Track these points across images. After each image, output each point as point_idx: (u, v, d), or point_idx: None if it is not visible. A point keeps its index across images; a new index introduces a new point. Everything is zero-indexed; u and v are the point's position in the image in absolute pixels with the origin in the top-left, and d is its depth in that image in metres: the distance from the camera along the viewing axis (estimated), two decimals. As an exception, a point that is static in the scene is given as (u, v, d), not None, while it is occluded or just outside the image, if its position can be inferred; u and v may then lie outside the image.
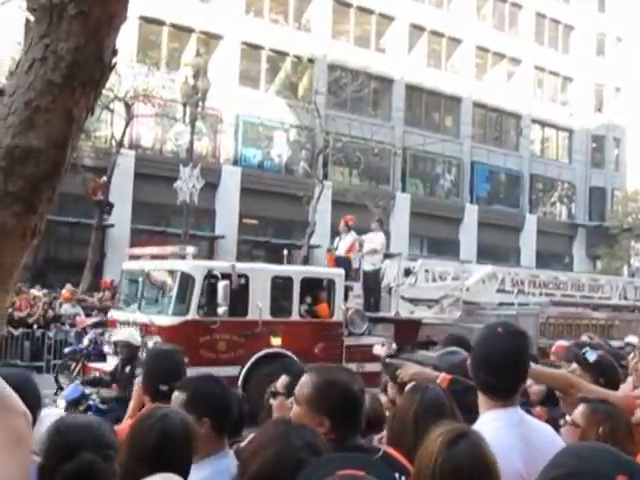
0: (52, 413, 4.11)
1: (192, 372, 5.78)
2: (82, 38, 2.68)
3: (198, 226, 35.71)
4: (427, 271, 22.67)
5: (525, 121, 54.57)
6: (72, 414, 3.07)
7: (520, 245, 53.41)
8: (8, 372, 3.78)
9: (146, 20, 37.73)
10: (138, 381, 5.22)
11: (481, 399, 3.83)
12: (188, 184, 28.12)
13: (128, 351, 13.03)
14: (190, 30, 40.98)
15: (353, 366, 16.42)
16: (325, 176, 40.07)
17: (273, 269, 19.24)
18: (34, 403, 3.71)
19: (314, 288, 18.59)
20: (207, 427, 4.05)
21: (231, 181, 40.46)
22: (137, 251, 19.54)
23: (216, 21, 40.48)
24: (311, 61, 43.54)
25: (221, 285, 16.01)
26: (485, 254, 46.78)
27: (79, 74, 2.65)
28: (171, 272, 17.16)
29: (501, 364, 3.75)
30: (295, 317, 17.81)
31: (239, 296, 16.68)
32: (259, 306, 16.81)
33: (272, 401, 4.95)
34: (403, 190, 48.17)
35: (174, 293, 16.82)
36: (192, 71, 29.60)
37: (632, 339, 16.09)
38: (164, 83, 32.37)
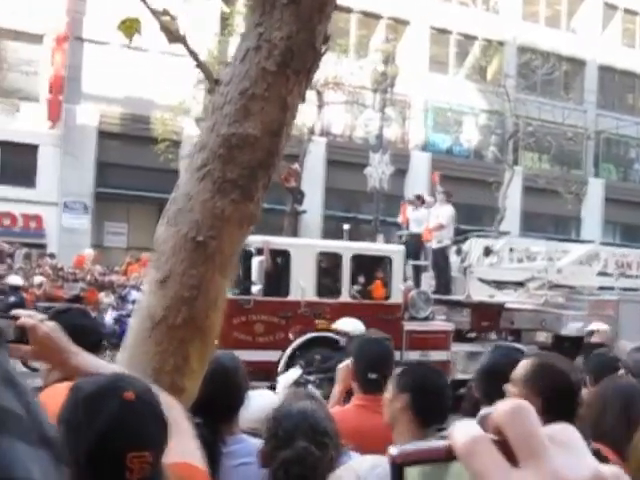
0: (262, 393, 4.22)
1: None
2: (294, 26, 2.71)
3: (388, 212, 35.80)
4: (512, 250, 20.68)
5: None
6: (289, 402, 3.11)
7: None
8: (221, 355, 3.91)
9: (335, 8, 37.99)
10: (345, 365, 5.24)
11: None
12: (378, 170, 28.23)
13: None
14: (378, 16, 41.05)
15: (415, 354, 15.12)
16: (515, 161, 39.40)
17: (318, 244, 17.80)
18: (245, 384, 3.85)
19: (369, 266, 16.67)
20: (404, 404, 4.04)
21: (420, 167, 40.36)
22: None
23: (404, 6, 40.36)
24: (501, 44, 42.88)
25: (255, 261, 14.45)
26: (682, 240, 44.94)
27: (292, 62, 2.69)
28: None
29: None
30: (345, 298, 15.78)
31: (280, 274, 15.34)
32: (302, 285, 15.16)
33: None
34: (596, 175, 46.81)
35: None
36: (381, 57, 29.66)
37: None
38: (353, 70, 32.52)
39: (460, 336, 17.57)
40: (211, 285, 2.76)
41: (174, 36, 3.11)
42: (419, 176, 40.01)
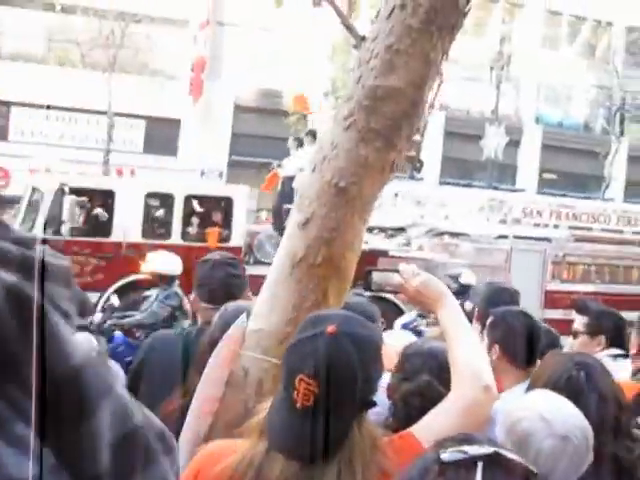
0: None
1: None
2: (439, -16, 2.63)
3: (501, 179, 35.36)
4: (397, 195, 17.95)
5: None
6: (422, 341, 3.09)
7: None
8: (357, 301, 3.84)
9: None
10: None
11: None
12: (493, 141, 27.89)
13: None
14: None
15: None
16: (621, 133, 38.37)
17: (147, 184, 15.24)
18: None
19: (209, 208, 14.69)
20: (498, 355, 3.92)
21: (532, 138, 39.63)
22: None
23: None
24: (609, 24, 41.59)
25: (66, 200, 12.89)
26: None
27: (436, 19, 2.62)
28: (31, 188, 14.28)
29: None
30: (176, 240, 13.67)
31: (104, 214, 13.59)
32: (124, 225, 13.42)
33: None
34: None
35: (23, 209, 14.09)
36: (498, 38, 29.19)
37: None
38: (471, 49, 32.04)
39: None
40: (349, 228, 2.74)
41: (320, -1, 3.07)
42: (532, 147, 39.38)
